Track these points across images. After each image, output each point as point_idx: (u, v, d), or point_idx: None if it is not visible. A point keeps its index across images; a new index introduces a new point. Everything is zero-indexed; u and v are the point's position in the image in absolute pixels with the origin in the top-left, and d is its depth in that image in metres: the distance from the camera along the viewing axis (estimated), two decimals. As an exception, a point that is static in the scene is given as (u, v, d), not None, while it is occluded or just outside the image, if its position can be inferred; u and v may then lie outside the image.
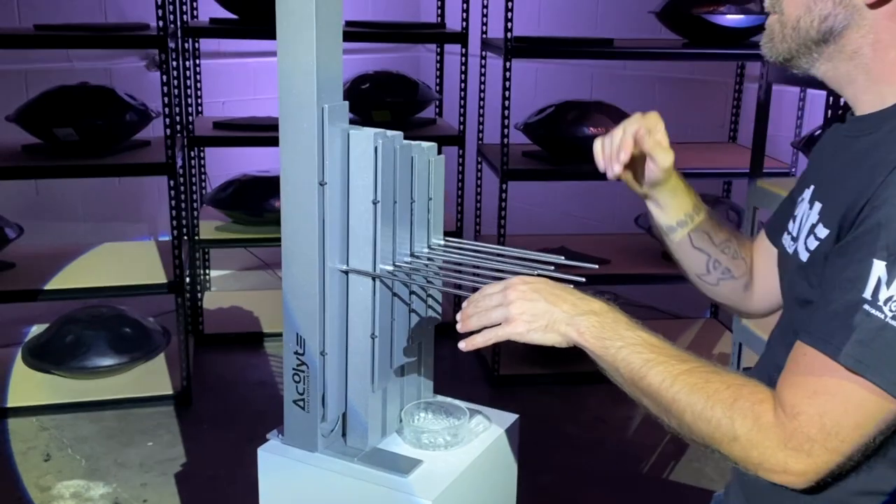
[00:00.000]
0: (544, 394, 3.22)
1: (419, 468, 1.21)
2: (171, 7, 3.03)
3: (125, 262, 3.24)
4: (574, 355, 3.55)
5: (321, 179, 1.14)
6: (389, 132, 1.17)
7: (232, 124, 3.53)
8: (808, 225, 1.06)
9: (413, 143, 1.21)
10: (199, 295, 3.71)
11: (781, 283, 1.18)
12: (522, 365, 3.32)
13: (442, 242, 1.30)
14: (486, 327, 1.07)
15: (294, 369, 1.21)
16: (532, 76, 4.12)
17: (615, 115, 3.14)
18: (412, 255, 1.24)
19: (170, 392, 3.12)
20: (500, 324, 1.06)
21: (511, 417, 1.36)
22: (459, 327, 1.08)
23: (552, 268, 1.17)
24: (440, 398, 1.37)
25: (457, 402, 1.35)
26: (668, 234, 1.29)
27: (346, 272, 1.19)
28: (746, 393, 0.94)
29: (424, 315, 1.29)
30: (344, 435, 1.27)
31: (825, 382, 0.90)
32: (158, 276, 3.09)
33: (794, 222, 1.12)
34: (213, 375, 3.37)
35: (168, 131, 2.88)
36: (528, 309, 1.05)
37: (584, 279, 1.15)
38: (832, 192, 1.02)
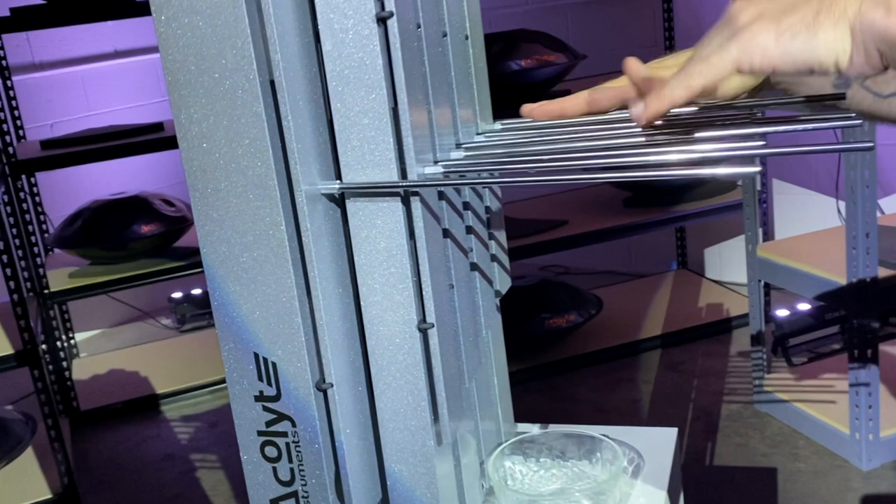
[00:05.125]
0: (527, 392, 2.61)
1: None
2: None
3: (-48, 340, 2.43)
4: (550, 341, 2.68)
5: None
6: None
7: (64, 140, 2.77)
8: None
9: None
10: (66, 364, 2.91)
11: None
12: (488, 365, 2.70)
13: (498, 126, 0.66)
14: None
15: (262, 435, 0.55)
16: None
17: (547, 43, 2.57)
18: (460, 145, 0.61)
19: (48, 496, 2.39)
20: None
21: (667, 435, 0.74)
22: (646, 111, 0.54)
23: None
24: (528, 428, 0.74)
25: (566, 427, 0.72)
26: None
27: (341, 195, 0.54)
28: None
29: (493, 272, 0.66)
30: (385, 544, 0.61)
31: None
32: (2, 348, 2.30)
33: None
34: (102, 462, 2.60)
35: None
36: (771, 5, 0.51)
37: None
38: None
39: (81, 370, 3.12)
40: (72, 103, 3.43)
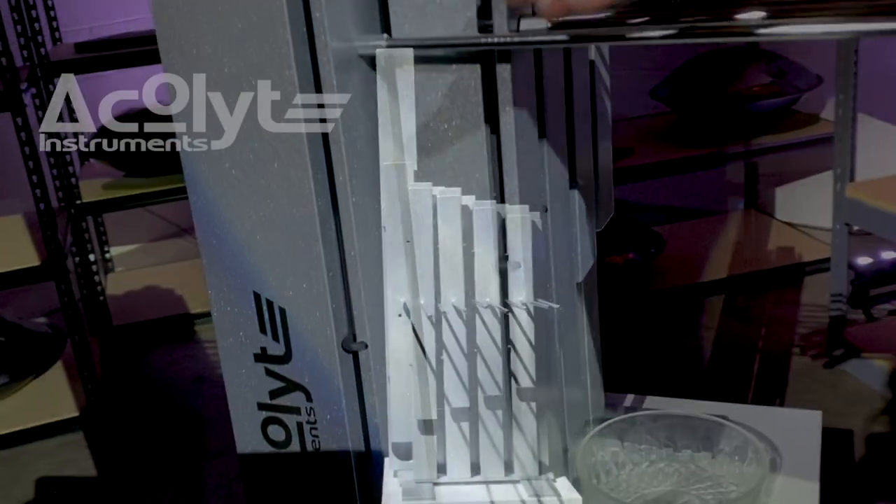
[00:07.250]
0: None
1: None
2: None
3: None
4: (606, 279, 2.45)
5: None
6: None
7: (100, 43, 2.61)
8: None
9: None
10: (98, 279, 2.81)
11: None
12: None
13: None
14: None
15: (264, 409, 0.38)
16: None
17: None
18: None
19: (74, 413, 2.30)
20: None
21: (810, 420, 0.56)
22: None
23: None
24: (618, 398, 0.57)
25: (673, 405, 0.55)
26: None
27: (388, 59, 0.36)
28: None
29: (596, 194, 0.48)
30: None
31: None
32: (27, 259, 2.19)
33: None
34: (132, 381, 2.51)
35: (3, 61, 1.97)
36: None
37: None
38: None
39: (116, 285, 3.03)
40: (111, 7, 3.26)
